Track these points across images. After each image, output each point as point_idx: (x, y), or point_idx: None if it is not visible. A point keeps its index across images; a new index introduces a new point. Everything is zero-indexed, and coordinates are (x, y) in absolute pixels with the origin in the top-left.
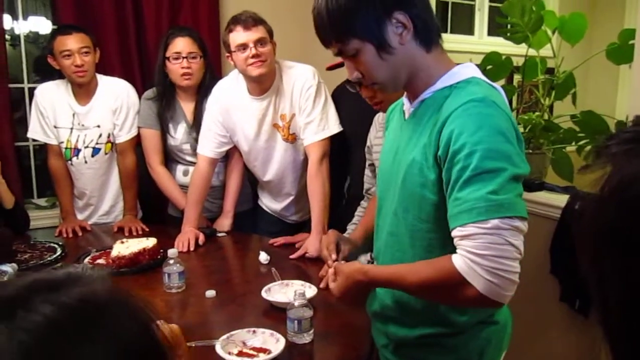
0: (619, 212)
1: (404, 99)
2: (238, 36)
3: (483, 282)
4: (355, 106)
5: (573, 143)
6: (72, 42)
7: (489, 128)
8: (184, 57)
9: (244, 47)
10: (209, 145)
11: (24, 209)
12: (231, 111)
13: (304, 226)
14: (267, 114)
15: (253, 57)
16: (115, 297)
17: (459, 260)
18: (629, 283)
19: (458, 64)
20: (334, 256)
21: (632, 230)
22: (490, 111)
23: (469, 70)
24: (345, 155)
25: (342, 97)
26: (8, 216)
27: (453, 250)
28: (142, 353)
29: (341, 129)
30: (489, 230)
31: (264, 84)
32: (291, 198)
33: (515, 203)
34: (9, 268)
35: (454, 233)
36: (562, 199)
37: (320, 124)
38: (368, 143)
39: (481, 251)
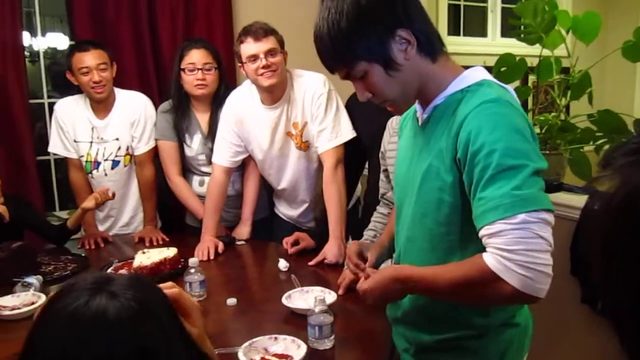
0: (627, 225)
1: (417, 106)
2: (248, 47)
3: (517, 277)
4: (372, 112)
5: (591, 143)
6: (90, 58)
7: (505, 127)
8: (199, 69)
9: (254, 58)
10: (224, 155)
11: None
12: (245, 121)
13: (317, 226)
14: (280, 123)
15: (263, 67)
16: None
17: (490, 259)
18: (637, 294)
19: (466, 67)
20: (362, 266)
21: (638, 241)
22: (505, 110)
23: (478, 73)
24: (359, 161)
25: (357, 104)
26: (64, 233)
27: (475, 250)
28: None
29: (354, 134)
30: (518, 225)
31: (275, 93)
32: (306, 205)
33: (539, 196)
34: (34, 280)
35: (481, 232)
36: (581, 200)
37: (333, 131)
38: (382, 148)
39: (512, 246)
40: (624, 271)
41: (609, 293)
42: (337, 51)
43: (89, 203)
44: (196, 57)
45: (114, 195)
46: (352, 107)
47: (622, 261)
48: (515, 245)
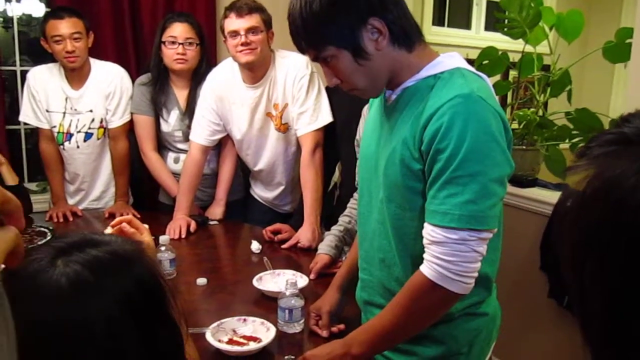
0: (601, 214)
1: None
2: (231, 23)
3: (452, 282)
4: (347, 102)
5: (567, 140)
6: (64, 27)
7: (474, 128)
8: (180, 43)
9: (235, 34)
10: (203, 133)
11: (27, 193)
12: (225, 99)
13: (295, 215)
14: (261, 103)
15: (242, 44)
16: (136, 253)
17: (427, 269)
18: (608, 287)
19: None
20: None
21: (613, 233)
22: (477, 108)
23: (453, 60)
24: (333, 146)
25: (332, 89)
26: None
27: None
28: (151, 290)
29: (332, 119)
30: (457, 240)
31: (256, 72)
32: (282, 188)
33: (487, 216)
34: None
35: (427, 229)
36: (554, 196)
37: (313, 114)
38: (357, 136)
39: (448, 257)
40: (594, 264)
41: (578, 290)
42: (307, 33)
43: None
44: (178, 30)
45: None
46: (327, 92)
47: (593, 253)
48: (452, 257)
